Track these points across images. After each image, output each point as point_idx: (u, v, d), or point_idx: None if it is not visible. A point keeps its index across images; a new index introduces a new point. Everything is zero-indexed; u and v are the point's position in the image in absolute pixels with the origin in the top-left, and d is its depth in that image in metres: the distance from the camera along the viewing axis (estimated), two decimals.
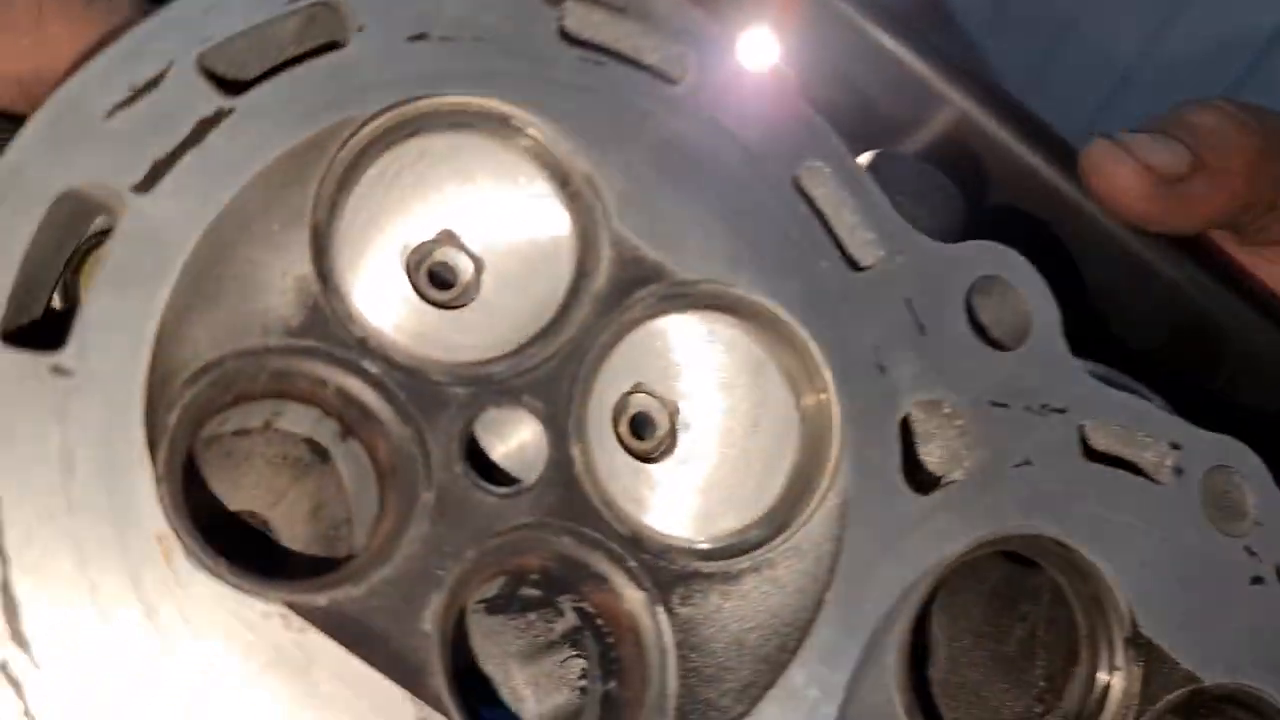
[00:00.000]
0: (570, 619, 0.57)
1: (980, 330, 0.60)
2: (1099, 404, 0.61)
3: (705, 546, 0.55)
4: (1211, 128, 0.74)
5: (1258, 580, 0.62)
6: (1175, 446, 0.62)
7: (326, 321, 0.51)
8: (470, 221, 0.56)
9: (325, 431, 0.54)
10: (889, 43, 0.78)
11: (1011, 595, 0.69)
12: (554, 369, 0.54)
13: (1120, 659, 0.60)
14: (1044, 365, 0.60)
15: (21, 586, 0.43)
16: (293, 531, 0.56)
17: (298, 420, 0.54)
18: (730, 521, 0.56)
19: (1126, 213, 0.73)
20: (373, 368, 0.52)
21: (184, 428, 0.48)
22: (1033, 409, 0.60)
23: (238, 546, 0.51)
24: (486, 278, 0.56)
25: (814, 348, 0.56)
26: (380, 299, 0.54)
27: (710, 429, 0.58)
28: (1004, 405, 0.59)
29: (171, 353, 0.48)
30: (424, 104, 0.53)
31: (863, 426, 0.56)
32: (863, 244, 0.59)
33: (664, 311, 0.56)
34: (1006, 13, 1.58)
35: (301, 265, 0.51)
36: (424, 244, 0.56)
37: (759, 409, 0.58)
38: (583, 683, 0.56)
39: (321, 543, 0.55)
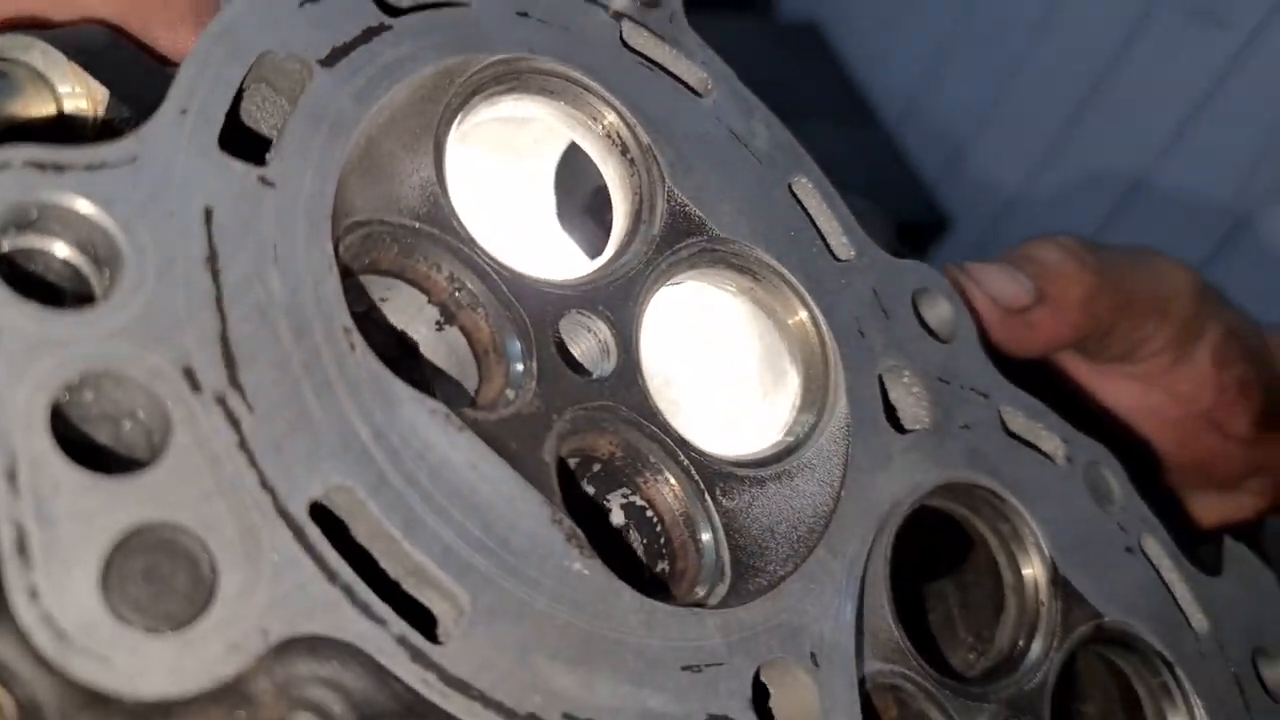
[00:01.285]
0: (618, 516, 0.63)
1: (924, 324, 0.74)
2: (1010, 396, 0.76)
3: (738, 459, 0.64)
4: (1054, 263, 0.84)
5: (1129, 550, 0.76)
6: (1066, 440, 0.77)
7: (444, 220, 0.59)
8: (535, 177, 0.66)
9: (422, 322, 0.60)
10: None
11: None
12: (622, 289, 0.63)
13: (1044, 595, 0.71)
14: (971, 360, 0.75)
15: (238, 341, 0.46)
16: None
17: (401, 311, 0.60)
18: (752, 446, 0.66)
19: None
20: (482, 261, 0.59)
21: (342, 265, 0.53)
22: (966, 388, 0.73)
23: None
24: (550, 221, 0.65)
25: (813, 304, 0.68)
26: (476, 215, 0.62)
27: (727, 381, 0.69)
28: (946, 382, 0.73)
29: (343, 198, 0.54)
30: (527, 62, 0.64)
31: (853, 372, 0.68)
32: (840, 244, 0.72)
33: (702, 264, 0.66)
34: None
35: (427, 169, 0.59)
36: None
37: (768, 356, 0.69)
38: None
39: None
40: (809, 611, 0.58)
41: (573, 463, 0.61)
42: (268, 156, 0.51)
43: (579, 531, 0.52)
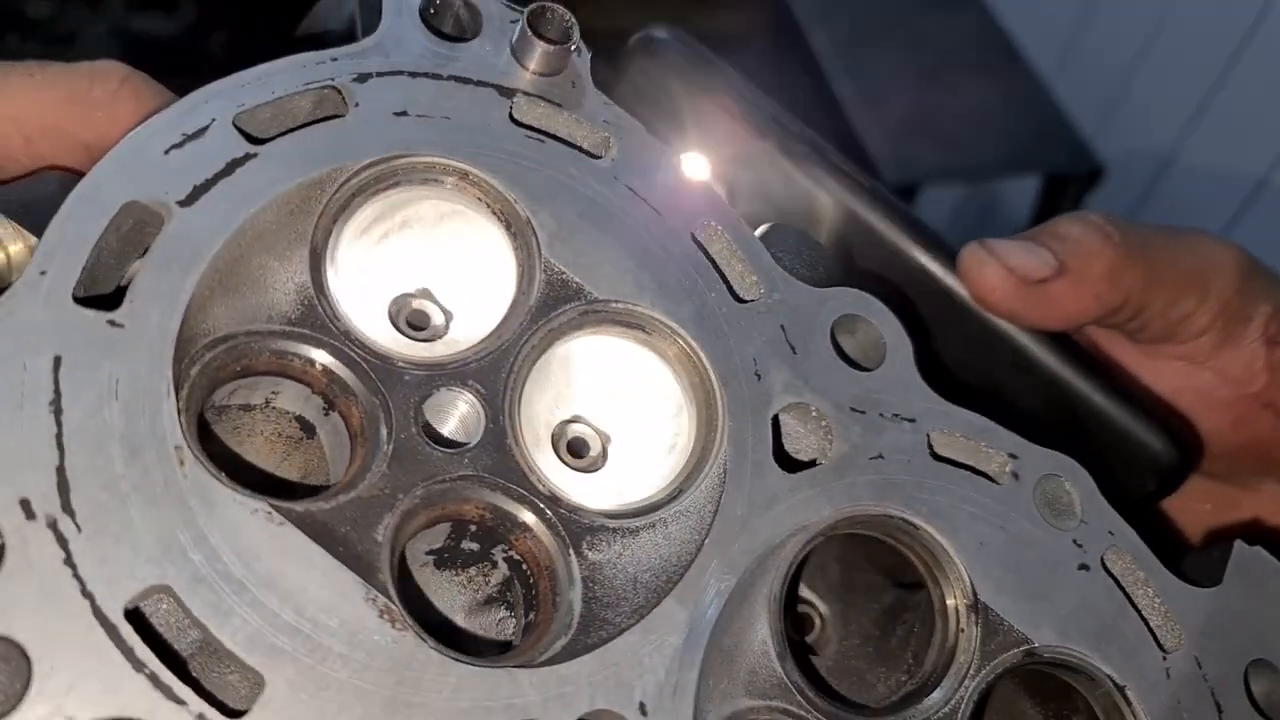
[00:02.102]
0: (502, 571, 0.69)
1: (842, 353, 0.74)
2: (944, 417, 0.75)
3: (611, 509, 0.68)
4: (1076, 237, 0.85)
5: (1084, 567, 0.74)
6: (1013, 456, 0.75)
7: (318, 319, 0.67)
8: (435, 258, 0.72)
9: (312, 408, 0.69)
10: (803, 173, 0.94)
11: (899, 610, 0.81)
12: (494, 361, 0.69)
13: (964, 622, 0.71)
14: (897, 384, 0.75)
15: (73, 470, 0.57)
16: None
17: (292, 399, 0.69)
18: (635, 495, 0.70)
19: (995, 309, 0.85)
20: (352, 352, 0.67)
21: (202, 379, 0.63)
22: (886, 416, 0.74)
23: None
24: (450, 308, 0.72)
25: (702, 354, 0.71)
26: (361, 313, 0.69)
27: (628, 433, 0.73)
28: (861, 411, 0.73)
29: (197, 322, 0.63)
30: (401, 161, 0.70)
31: (741, 418, 0.70)
32: (746, 284, 0.74)
33: (583, 325, 0.71)
34: None
35: (302, 275, 0.67)
36: (404, 294, 0.72)
37: (668, 411, 0.72)
38: (513, 626, 0.69)
39: None
40: (645, 663, 0.62)
41: (446, 527, 0.68)
42: (122, 301, 0.61)
43: (392, 605, 0.59)
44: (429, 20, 0.74)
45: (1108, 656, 0.72)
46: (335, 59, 0.71)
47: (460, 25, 0.76)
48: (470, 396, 0.68)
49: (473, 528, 0.68)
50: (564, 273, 0.71)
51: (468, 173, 0.71)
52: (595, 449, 0.73)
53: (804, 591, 0.82)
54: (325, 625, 0.58)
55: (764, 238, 0.79)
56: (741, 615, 0.67)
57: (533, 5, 0.75)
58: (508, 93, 0.74)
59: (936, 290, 0.94)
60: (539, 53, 0.74)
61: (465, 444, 0.67)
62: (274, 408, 0.69)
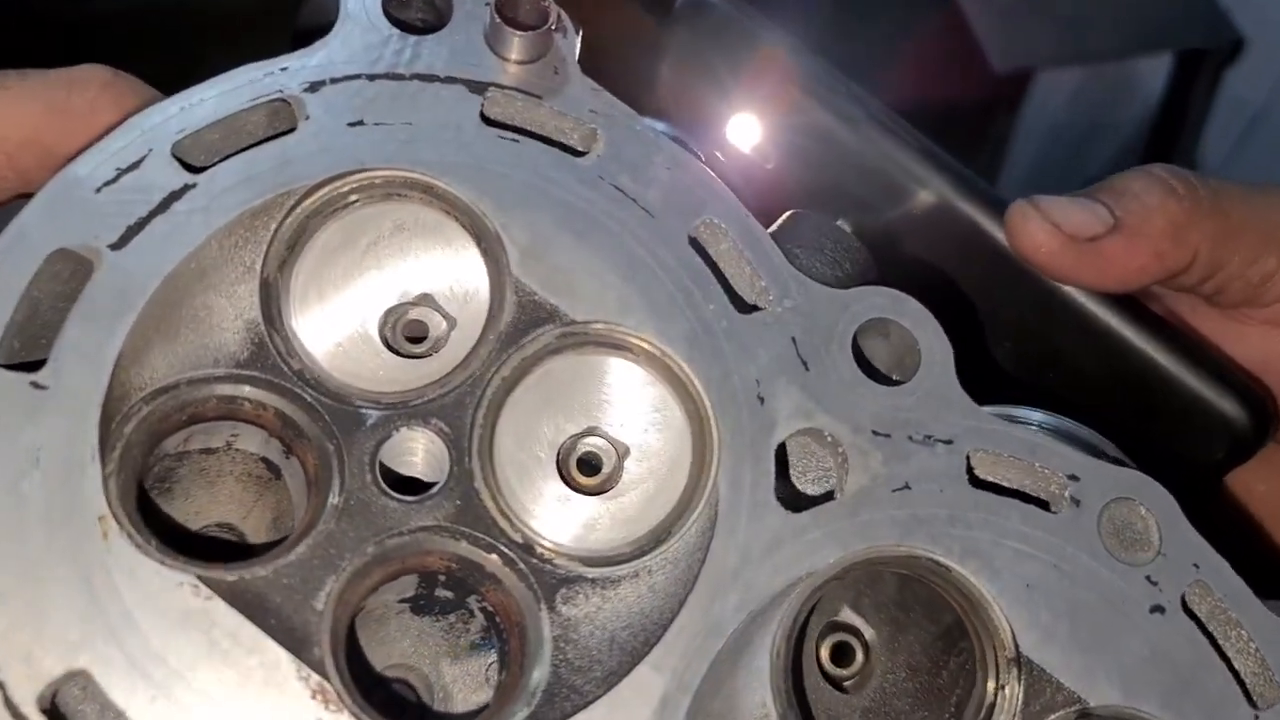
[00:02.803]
0: (480, 620, 0.64)
1: (866, 366, 0.65)
2: (990, 436, 0.65)
3: (590, 555, 0.62)
4: (1135, 191, 0.79)
5: (1158, 609, 0.63)
6: (1073, 478, 0.64)
7: (270, 357, 0.62)
8: (408, 278, 0.66)
9: (274, 450, 0.65)
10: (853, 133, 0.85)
11: (958, 635, 0.72)
12: (458, 397, 0.62)
13: (1004, 678, 0.62)
14: (932, 399, 0.65)
15: None
16: (259, 538, 0.66)
17: (253, 440, 0.65)
18: (620, 542, 0.63)
19: (1042, 268, 0.78)
20: (305, 394, 0.62)
21: (139, 437, 0.59)
22: (915, 439, 0.64)
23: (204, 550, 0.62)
24: (452, 313, 0.66)
25: (694, 379, 0.63)
26: (322, 345, 0.64)
27: (631, 475, 0.65)
28: (885, 435, 0.64)
29: (131, 376, 0.59)
30: (357, 177, 0.64)
31: (738, 451, 0.62)
32: (753, 290, 0.65)
33: (560, 349, 0.64)
34: None
35: (251, 310, 0.63)
36: (397, 305, 0.66)
37: (659, 440, 0.65)
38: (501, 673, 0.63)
39: None
40: None
41: (414, 577, 0.63)
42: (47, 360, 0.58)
43: (327, 684, 0.55)
44: (392, 10, 0.68)
45: (1184, 715, 0.61)
46: (285, 68, 0.65)
47: (430, 10, 0.69)
48: (432, 436, 0.62)
49: (441, 578, 0.63)
50: (535, 293, 0.64)
51: (431, 185, 0.65)
52: (609, 464, 0.66)
53: (847, 615, 0.73)
54: (253, 711, 0.54)
55: (780, 230, 0.70)
56: (737, 674, 0.60)
57: None
58: (479, 88, 0.67)
59: (990, 250, 0.86)
60: (514, 40, 0.66)
61: (427, 490, 0.61)
62: (237, 450, 0.65)
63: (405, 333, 0.67)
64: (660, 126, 0.81)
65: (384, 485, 0.60)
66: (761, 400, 0.63)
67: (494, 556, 0.61)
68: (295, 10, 0.82)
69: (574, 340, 0.64)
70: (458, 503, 0.61)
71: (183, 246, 0.61)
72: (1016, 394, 0.75)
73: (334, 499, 0.59)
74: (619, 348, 0.64)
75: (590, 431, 0.65)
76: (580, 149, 0.67)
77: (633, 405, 0.65)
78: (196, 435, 0.64)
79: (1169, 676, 0.62)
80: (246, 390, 0.62)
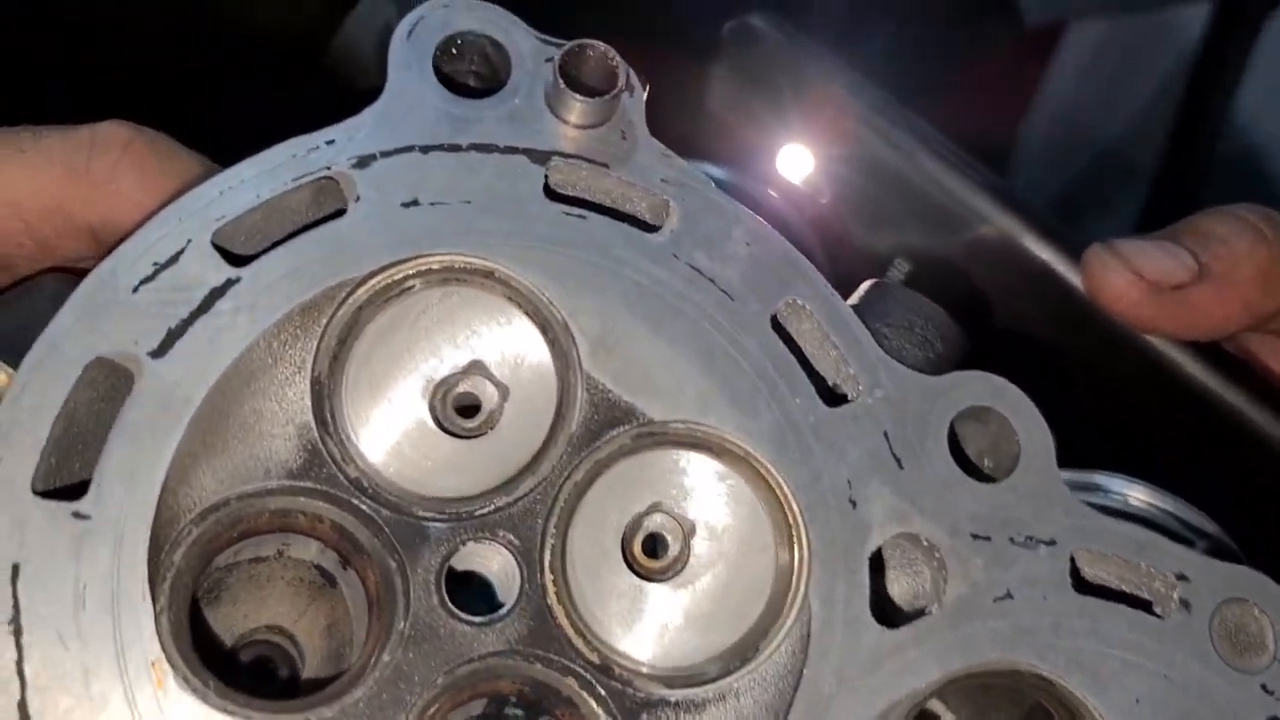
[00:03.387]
0: None
1: (963, 462, 0.60)
2: (1095, 534, 0.60)
3: (672, 674, 0.58)
4: (1222, 235, 0.73)
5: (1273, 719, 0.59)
6: (1182, 578, 0.60)
7: (324, 463, 0.58)
8: (456, 346, 0.61)
9: (329, 560, 0.60)
10: (926, 161, 0.80)
11: (1041, 718, 0.69)
12: (528, 505, 0.58)
13: None
14: (1033, 495, 0.60)
15: (34, 706, 0.50)
16: (312, 644, 0.62)
17: (306, 550, 0.61)
18: (700, 652, 0.59)
19: (1125, 317, 0.74)
20: (364, 505, 0.57)
21: (190, 563, 0.55)
22: (1017, 541, 0.60)
23: (252, 670, 0.59)
24: (505, 380, 0.61)
25: (783, 483, 0.58)
26: (378, 441, 0.59)
27: (700, 558, 0.61)
28: (986, 538, 0.60)
29: (179, 497, 0.55)
30: (412, 264, 0.59)
31: (830, 563, 0.58)
32: (841, 378, 0.61)
33: (635, 450, 0.59)
34: None
35: (303, 413, 0.58)
36: (447, 378, 0.61)
37: (743, 543, 0.60)
38: None
39: (333, 658, 0.61)
40: None
41: (482, 704, 0.59)
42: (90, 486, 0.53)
43: None
44: (445, 72, 0.62)
45: None
46: (332, 141, 0.60)
47: (486, 70, 0.63)
48: (502, 550, 0.58)
49: (513, 699, 0.59)
50: (610, 391, 0.59)
51: (492, 270, 0.59)
52: (675, 546, 0.62)
53: (931, 703, 0.70)
54: None
55: (864, 304, 0.65)
56: None
57: (567, 47, 0.61)
58: (542, 157, 0.61)
59: (1061, 293, 0.81)
60: (577, 106, 0.61)
61: (498, 610, 0.57)
62: (289, 557, 0.61)
63: (456, 404, 0.62)
64: (715, 171, 0.75)
65: (452, 606, 0.56)
66: (854, 504, 0.59)
67: (570, 680, 0.57)
68: (316, 31, 0.76)
69: (651, 441, 0.59)
70: (530, 622, 0.57)
71: (229, 350, 0.56)
72: (1089, 448, 0.71)
73: (399, 625, 0.55)
74: (699, 447, 0.60)
75: (655, 508, 0.61)
76: (652, 223, 0.61)
77: (703, 489, 0.60)
78: (248, 546, 0.60)
79: None
80: (301, 503, 0.57)
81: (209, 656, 0.55)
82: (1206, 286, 0.73)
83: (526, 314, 0.60)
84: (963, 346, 0.65)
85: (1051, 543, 0.60)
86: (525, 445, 0.60)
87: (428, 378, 0.61)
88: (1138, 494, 0.68)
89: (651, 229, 0.61)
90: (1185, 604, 0.60)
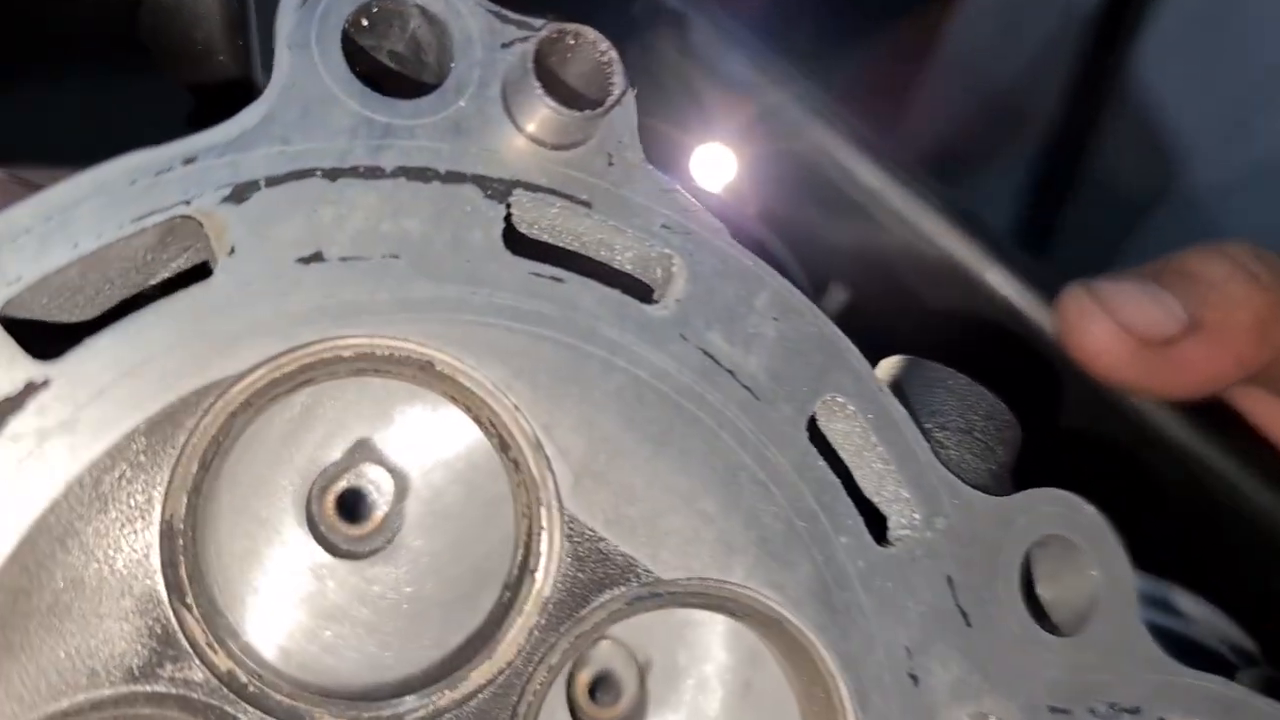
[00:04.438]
0: None
1: (1038, 611, 0.47)
2: (1180, 694, 0.49)
3: None
4: (1215, 280, 0.64)
5: None
6: None
7: (180, 654, 0.38)
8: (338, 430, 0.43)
9: None
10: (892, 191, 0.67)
11: None
12: (485, 704, 0.41)
13: None
14: (1114, 651, 0.48)
15: None
16: None
17: None
18: None
19: (1106, 375, 0.62)
20: (241, 716, 0.39)
21: None
22: (1098, 712, 0.47)
23: None
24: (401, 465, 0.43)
25: (828, 657, 0.43)
26: (262, 608, 0.41)
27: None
28: (1064, 710, 0.47)
29: None
30: (313, 350, 0.40)
31: None
32: (894, 505, 0.46)
33: (633, 614, 0.43)
34: None
35: (146, 578, 0.38)
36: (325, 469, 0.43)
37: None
38: None
39: None
40: None
41: None
42: None
43: None
44: (360, 58, 0.42)
45: None
46: (193, 159, 0.39)
47: (415, 54, 0.44)
48: None
49: None
50: (602, 539, 0.42)
51: (431, 361, 0.41)
52: (630, 687, 0.47)
53: None
54: None
55: (906, 394, 0.50)
56: None
57: (542, 32, 0.42)
58: (500, 189, 0.42)
59: (1026, 334, 0.70)
60: (552, 118, 0.42)
61: None
62: None
63: (338, 507, 0.44)
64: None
65: None
66: (914, 679, 0.45)
67: None
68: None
69: (655, 604, 0.43)
70: None
71: (34, 498, 0.36)
72: None
73: None
74: (718, 608, 0.44)
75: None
76: (651, 287, 0.44)
77: (719, 687, 0.45)
78: None
79: None
80: (148, 717, 0.38)
81: None
82: (1199, 340, 0.63)
83: (479, 422, 0.42)
84: (1018, 443, 0.51)
85: (1136, 711, 0.48)
86: (453, 584, 0.43)
87: (304, 474, 0.43)
88: (1191, 608, 0.57)
89: (649, 297, 0.44)
90: None
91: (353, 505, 0.44)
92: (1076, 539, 0.48)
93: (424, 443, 0.45)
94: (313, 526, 0.44)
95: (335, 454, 0.44)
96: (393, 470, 0.45)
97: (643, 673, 0.48)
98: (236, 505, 0.42)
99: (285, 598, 0.42)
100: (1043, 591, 0.48)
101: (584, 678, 0.48)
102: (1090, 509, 0.48)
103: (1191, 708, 0.49)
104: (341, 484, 0.44)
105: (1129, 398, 0.70)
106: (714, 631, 0.48)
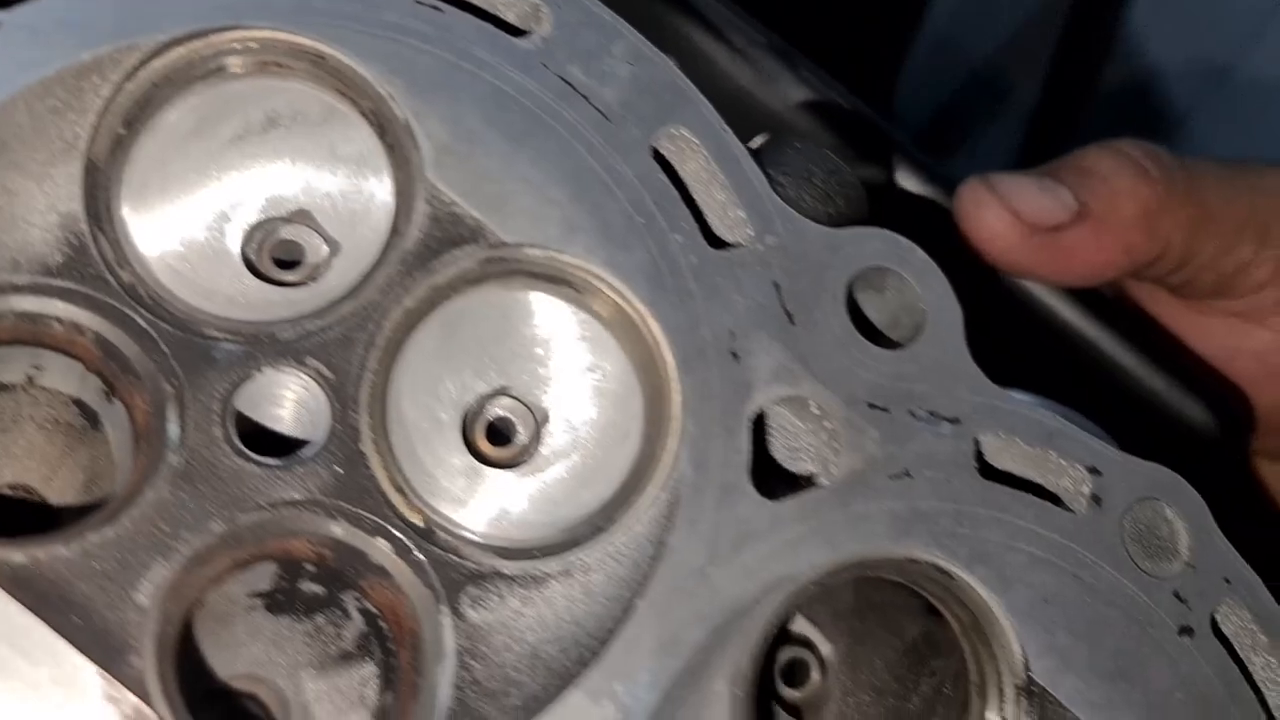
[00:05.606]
0: (358, 623, 0.49)
1: (862, 324, 0.53)
2: (1003, 416, 0.53)
3: (510, 545, 0.48)
4: (1104, 173, 0.68)
5: (1186, 630, 0.52)
6: (1094, 472, 0.53)
7: (91, 263, 0.46)
8: (281, 187, 0.51)
9: (91, 390, 0.49)
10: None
11: (927, 651, 0.60)
12: (347, 331, 0.48)
13: (1010, 710, 0.51)
14: (938, 368, 0.53)
15: None
16: (66, 505, 0.50)
17: (63, 377, 0.49)
18: (542, 520, 0.49)
19: (999, 260, 0.67)
20: (137, 316, 0.46)
21: None
22: (918, 415, 0.52)
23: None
24: (335, 235, 0.51)
25: (654, 325, 0.49)
26: (165, 249, 0.49)
27: (553, 448, 0.52)
28: (883, 409, 0.52)
29: None
30: (226, 36, 0.48)
31: (706, 419, 0.49)
32: (729, 221, 0.52)
33: (481, 279, 0.50)
34: None
35: (69, 201, 0.47)
36: (266, 220, 0.51)
37: (602, 400, 0.51)
38: (379, 689, 0.49)
39: None
40: None
41: (270, 574, 0.48)
42: None
43: (145, 710, 0.40)
44: None
45: None
46: None
47: None
48: (308, 381, 0.47)
49: (309, 568, 0.48)
50: (456, 204, 0.49)
51: (323, 55, 0.49)
52: (524, 433, 0.52)
53: (800, 625, 0.61)
54: None
55: (760, 152, 0.57)
56: (691, 701, 0.47)
57: None
58: None
59: (931, 228, 0.76)
60: None
61: (298, 452, 0.46)
62: (41, 388, 0.49)
63: (274, 254, 0.51)
64: None
65: (239, 443, 0.45)
66: (736, 357, 0.50)
67: (382, 542, 0.46)
68: None
69: (501, 268, 0.50)
70: (338, 470, 0.46)
71: None
72: None
73: (171, 458, 0.44)
74: (558, 281, 0.50)
75: (502, 392, 0.51)
76: (521, 26, 0.52)
77: (561, 358, 0.51)
78: None
79: (1198, 711, 0.52)
80: (57, 306, 0.46)
81: None
82: (1084, 227, 0.68)
83: (361, 112, 0.50)
84: (863, 209, 0.58)
85: (955, 421, 0.52)
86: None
87: (234, 203, 0.51)
88: (1040, 403, 0.61)
89: (520, 33, 0.52)
90: (1096, 500, 0.53)
91: (288, 257, 0.51)
92: (904, 271, 0.53)
93: (346, 211, 0.53)
94: (244, 258, 0.51)
95: (276, 206, 0.52)
96: (327, 238, 0.52)
97: (539, 424, 0.53)
98: (163, 181, 0.50)
99: (195, 258, 0.50)
100: (873, 313, 0.54)
101: (481, 424, 0.53)
102: (919, 249, 0.54)
103: (1012, 428, 0.53)
104: (280, 237, 0.52)
105: (1023, 282, 0.75)
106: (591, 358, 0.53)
